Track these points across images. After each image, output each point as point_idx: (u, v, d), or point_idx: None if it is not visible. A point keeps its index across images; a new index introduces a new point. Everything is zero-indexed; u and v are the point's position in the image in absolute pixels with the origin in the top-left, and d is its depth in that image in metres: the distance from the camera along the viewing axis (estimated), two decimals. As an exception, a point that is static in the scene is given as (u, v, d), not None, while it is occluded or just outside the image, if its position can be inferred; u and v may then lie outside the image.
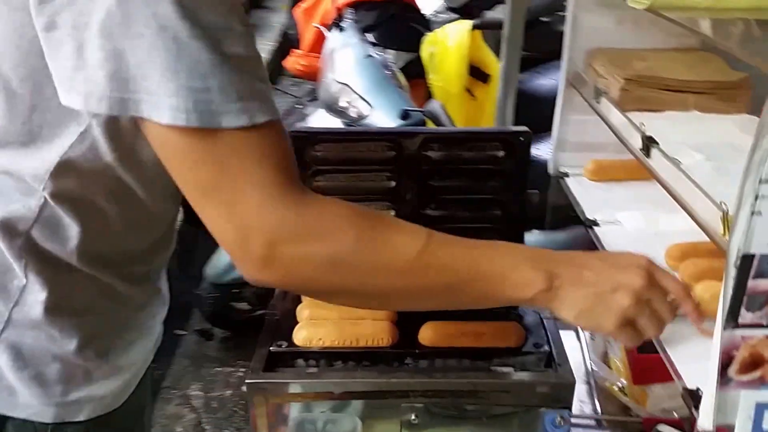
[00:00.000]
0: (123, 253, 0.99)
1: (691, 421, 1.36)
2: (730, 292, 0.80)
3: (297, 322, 1.13)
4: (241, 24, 0.80)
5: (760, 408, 0.87)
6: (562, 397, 1.05)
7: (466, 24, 3.21)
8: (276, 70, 4.68)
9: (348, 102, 2.65)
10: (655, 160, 1.05)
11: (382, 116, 2.54)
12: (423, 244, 0.86)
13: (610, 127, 1.27)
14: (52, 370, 0.96)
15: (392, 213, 1.29)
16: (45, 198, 0.88)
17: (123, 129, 0.85)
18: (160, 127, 0.77)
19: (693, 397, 0.91)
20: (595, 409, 1.50)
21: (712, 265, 1.15)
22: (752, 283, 0.80)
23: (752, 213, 0.76)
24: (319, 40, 3.82)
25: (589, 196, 1.52)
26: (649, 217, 1.42)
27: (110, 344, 1.02)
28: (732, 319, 0.82)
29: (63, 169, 0.87)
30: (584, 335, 1.65)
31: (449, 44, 3.19)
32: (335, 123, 2.72)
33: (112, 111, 0.78)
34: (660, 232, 1.36)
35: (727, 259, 0.79)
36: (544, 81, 3.57)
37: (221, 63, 0.76)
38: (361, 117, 2.57)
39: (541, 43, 4.09)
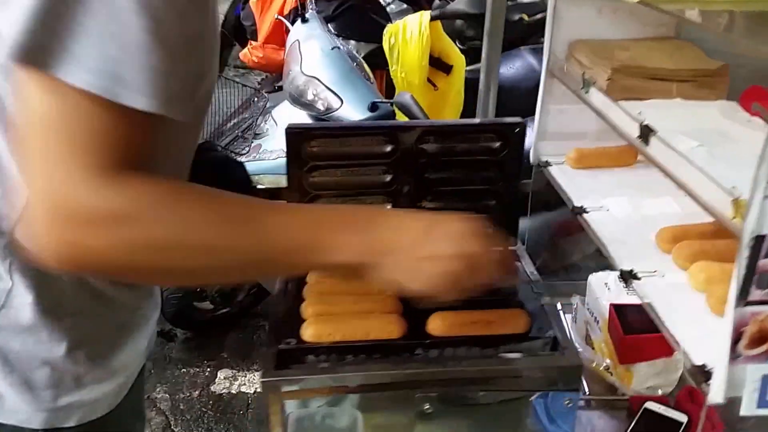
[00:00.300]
0: None
1: (678, 397, 1.42)
2: (742, 271, 0.84)
3: (302, 319, 1.14)
4: (196, 15, 0.79)
5: (766, 380, 0.92)
6: (570, 380, 1.09)
7: (426, 15, 3.24)
8: (222, 61, 4.64)
9: (315, 94, 2.64)
10: (654, 148, 1.09)
11: (351, 109, 2.55)
12: (241, 218, 0.83)
13: (601, 116, 1.30)
14: (41, 375, 0.95)
15: (388, 207, 1.31)
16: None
17: None
18: (52, 83, 0.73)
19: (702, 373, 0.95)
20: (583, 390, 1.55)
21: (704, 247, 1.20)
22: (762, 263, 0.84)
23: (765, 197, 0.80)
24: (277, 31, 3.81)
25: (573, 183, 1.56)
26: (634, 202, 1.46)
27: (101, 348, 1.01)
28: (743, 296, 0.86)
29: None
30: (565, 319, 1.69)
31: (409, 35, 3.21)
32: (301, 115, 2.72)
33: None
34: (647, 217, 1.40)
35: (740, 240, 0.83)
36: (503, 70, 3.63)
37: (151, 45, 0.74)
38: (329, 110, 2.57)
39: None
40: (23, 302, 0.91)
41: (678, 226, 1.28)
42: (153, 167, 0.79)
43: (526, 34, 3.92)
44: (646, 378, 1.50)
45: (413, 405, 1.07)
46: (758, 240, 0.82)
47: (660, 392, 1.50)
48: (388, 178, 1.30)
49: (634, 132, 1.16)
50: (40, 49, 0.72)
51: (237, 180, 1.25)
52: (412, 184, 1.30)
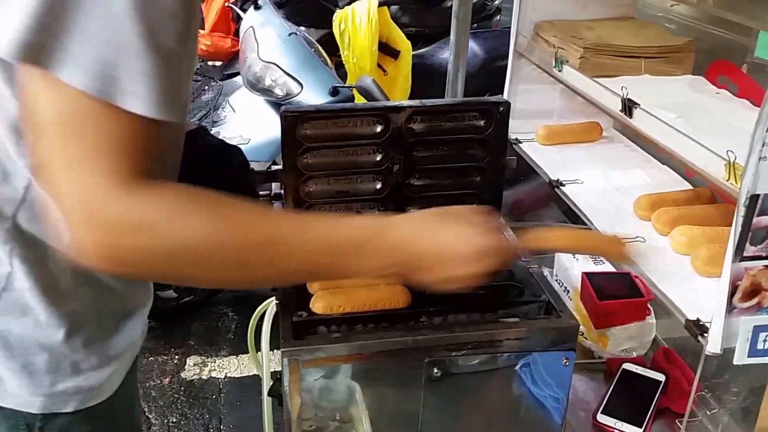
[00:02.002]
0: None
1: (654, 357, 1.50)
2: (738, 229, 0.91)
3: (309, 294, 1.17)
4: (184, 18, 0.80)
5: (756, 330, 1.00)
6: (567, 340, 1.15)
7: (374, 1, 3.27)
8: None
9: (273, 80, 2.66)
10: (638, 120, 1.16)
11: (311, 94, 2.57)
12: (270, 227, 0.87)
13: (577, 92, 1.37)
14: (39, 360, 0.96)
15: (379, 185, 1.35)
16: (30, 178, 0.87)
17: None
18: (56, 83, 0.74)
19: (697, 327, 1.02)
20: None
21: (682, 213, 1.28)
22: (756, 220, 0.92)
23: (759, 158, 0.87)
24: (223, 19, 3.80)
25: (545, 159, 1.63)
26: (606, 174, 1.54)
27: (97, 334, 1.02)
28: (739, 252, 0.93)
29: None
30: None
31: (359, 21, 3.24)
32: (259, 101, 2.73)
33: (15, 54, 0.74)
34: (620, 188, 1.48)
35: (738, 200, 0.90)
36: (444, 55, 3.69)
37: (147, 50, 0.75)
38: (289, 95, 2.59)
39: (431, 19, 4.24)
40: (23, 286, 0.92)
41: (654, 194, 1.36)
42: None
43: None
44: (621, 341, 1.59)
45: (423, 370, 1.12)
46: (753, 199, 0.90)
47: (635, 354, 1.59)
48: (379, 157, 1.33)
49: (616, 106, 1.23)
50: (40, 47, 0.73)
51: (234, 164, 1.27)
52: (402, 162, 1.34)
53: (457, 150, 1.37)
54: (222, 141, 1.29)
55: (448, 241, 0.95)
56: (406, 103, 1.32)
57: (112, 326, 1.05)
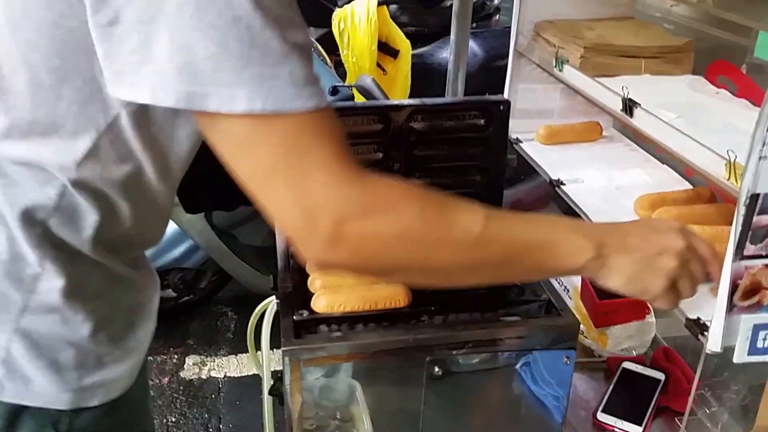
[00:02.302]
0: (130, 239, 1.01)
1: (653, 356, 1.50)
2: (739, 228, 0.92)
3: (310, 293, 1.18)
4: (298, 15, 0.83)
5: (756, 328, 1.00)
6: (567, 339, 1.15)
7: (373, 0, 3.28)
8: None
9: (272, 80, 2.65)
10: (639, 120, 1.16)
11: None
12: (484, 218, 0.88)
13: (577, 92, 1.37)
14: (66, 357, 0.97)
15: None
16: (65, 186, 0.89)
17: (152, 119, 0.87)
18: (228, 117, 0.78)
19: (698, 326, 1.02)
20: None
21: (683, 212, 1.29)
22: (756, 219, 0.92)
23: (760, 158, 0.88)
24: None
25: (546, 158, 1.63)
26: (606, 174, 1.55)
27: (119, 328, 1.04)
28: (739, 251, 0.94)
29: (88, 158, 0.88)
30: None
31: (358, 20, 3.25)
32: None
33: (179, 104, 0.78)
34: (621, 187, 1.49)
35: (738, 199, 0.90)
36: (444, 54, 3.70)
37: (289, 52, 0.79)
38: (288, 95, 2.59)
39: (431, 19, 4.25)
40: (52, 287, 0.93)
41: (655, 194, 1.36)
42: None
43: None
44: (621, 340, 1.59)
45: (424, 369, 1.12)
46: (753, 198, 0.90)
47: (635, 353, 1.59)
48: (380, 156, 1.34)
49: (616, 105, 1.23)
50: (280, 98, 0.78)
51: None
52: (402, 161, 1.35)
53: (458, 149, 1.37)
54: None
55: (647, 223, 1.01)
56: (406, 102, 1.33)
57: (132, 319, 1.07)
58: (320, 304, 1.14)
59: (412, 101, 1.33)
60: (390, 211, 0.84)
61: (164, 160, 0.94)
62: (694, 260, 0.95)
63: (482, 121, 1.35)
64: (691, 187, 1.47)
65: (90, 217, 0.92)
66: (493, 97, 1.35)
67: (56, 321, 0.95)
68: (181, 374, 2.80)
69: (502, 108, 1.33)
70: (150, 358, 2.84)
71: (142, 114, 0.86)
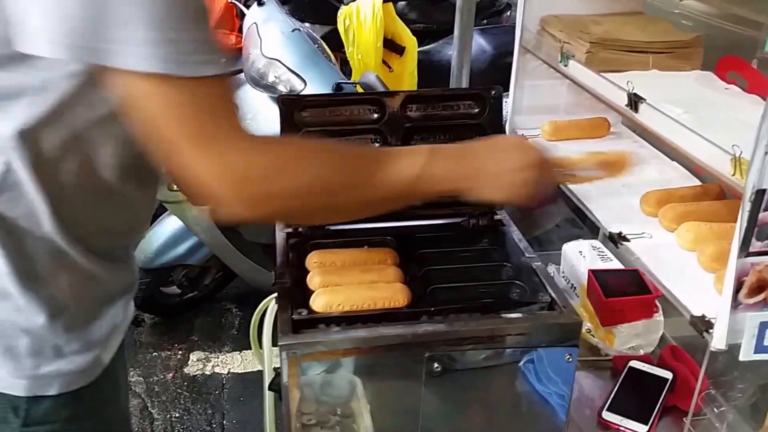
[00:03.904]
0: (93, 227, 1.00)
1: (661, 355, 1.49)
2: (744, 224, 0.90)
3: (309, 291, 1.16)
4: None
5: (763, 326, 0.98)
6: (570, 336, 1.14)
7: (379, -3, 3.26)
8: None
9: (276, 77, 2.64)
10: (644, 115, 1.14)
11: (315, 90, 2.55)
12: (377, 165, 0.99)
13: (583, 87, 1.36)
14: (21, 344, 0.98)
15: None
16: (7, 164, 0.88)
17: (83, 85, 0.86)
18: (135, 77, 0.79)
19: (703, 323, 1.01)
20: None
21: (689, 209, 1.27)
22: (762, 215, 0.90)
23: (765, 153, 0.86)
24: (227, 15, 3.78)
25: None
26: (612, 170, 1.53)
27: (79, 319, 1.03)
28: (744, 248, 0.92)
29: (25, 133, 0.87)
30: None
31: (363, 17, 3.23)
32: (263, 97, 2.72)
33: (83, 59, 0.78)
34: (627, 183, 1.47)
35: (743, 195, 0.89)
36: (453, 52, 3.68)
37: (194, 17, 0.81)
38: (292, 91, 2.57)
39: (438, 15, 4.23)
40: (1, 271, 0.93)
41: (661, 190, 1.35)
42: None
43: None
44: (628, 339, 1.57)
45: (423, 366, 1.11)
46: (759, 194, 0.88)
47: (642, 352, 1.57)
48: (377, 144, 1.33)
49: (621, 101, 1.21)
50: (187, 62, 0.80)
51: None
52: (399, 148, 1.34)
53: (454, 136, 1.36)
54: None
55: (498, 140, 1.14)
56: (399, 90, 1.32)
57: (94, 312, 1.06)
58: (319, 303, 1.13)
59: (404, 90, 1.32)
60: (287, 169, 0.91)
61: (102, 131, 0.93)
62: (540, 172, 1.08)
63: (476, 110, 1.34)
64: (699, 183, 1.45)
65: (37, 198, 0.91)
66: (485, 86, 1.34)
67: (9, 307, 0.96)
68: (185, 370, 2.81)
69: (494, 93, 1.32)
70: (155, 353, 2.86)
71: (78, 80, 0.85)
